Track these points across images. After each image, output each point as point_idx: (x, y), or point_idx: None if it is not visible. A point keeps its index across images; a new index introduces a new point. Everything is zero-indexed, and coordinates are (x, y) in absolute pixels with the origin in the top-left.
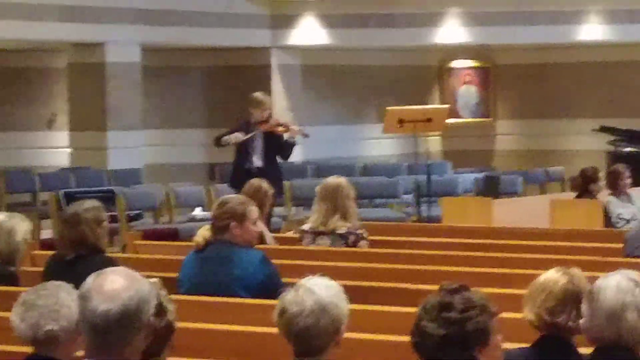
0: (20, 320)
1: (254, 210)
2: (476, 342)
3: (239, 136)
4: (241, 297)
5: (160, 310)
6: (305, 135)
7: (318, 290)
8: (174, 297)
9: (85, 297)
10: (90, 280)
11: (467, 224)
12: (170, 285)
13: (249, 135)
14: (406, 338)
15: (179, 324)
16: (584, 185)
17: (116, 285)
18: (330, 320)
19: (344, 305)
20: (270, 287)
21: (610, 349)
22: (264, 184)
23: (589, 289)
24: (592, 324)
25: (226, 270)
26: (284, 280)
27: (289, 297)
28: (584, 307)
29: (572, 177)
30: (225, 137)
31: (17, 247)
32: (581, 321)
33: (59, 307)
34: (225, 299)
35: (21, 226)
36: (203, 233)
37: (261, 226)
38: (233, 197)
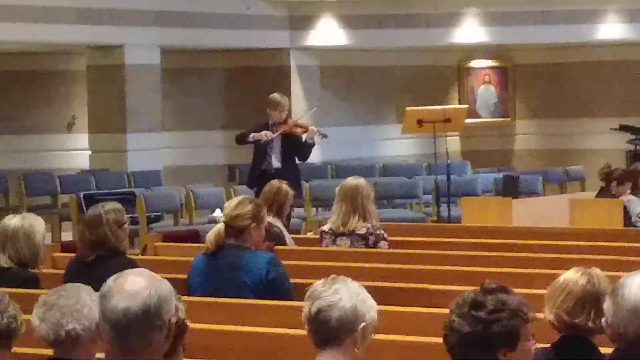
0: (41, 321)
1: (266, 213)
2: (500, 344)
3: (268, 134)
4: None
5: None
6: (324, 136)
7: (350, 282)
8: (184, 298)
9: (105, 296)
10: (111, 280)
11: (486, 224)
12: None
13: (275, 135)
14: (425, 338)
15: (190, 325)
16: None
17: (136, 285)
18: (351, 307)
19: (370, 303)
20: (280, 288)
21: (633, 345)
22: (284, 185)
23: (614, 286)
24: (615, 320)
25: (235, 276)
26: (304, 280)
27: (319, 282)
28: (607, 304)
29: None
30: (254, 134)
31: (37, 249)
32: (604, 319)
33: (79, 306)
34: (235, 300)
35: (38, 226)
36: (213, 237)
37: (281, 227)
38: (251, 198)
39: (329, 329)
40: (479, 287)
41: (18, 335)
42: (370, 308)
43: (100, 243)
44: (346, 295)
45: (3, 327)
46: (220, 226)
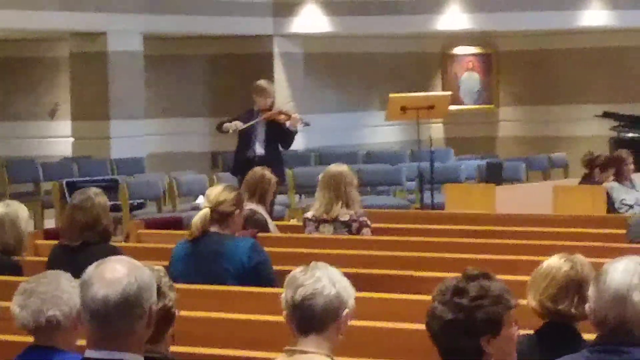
0: (21, 308)
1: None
2: (483, 331)
3: (238, 124)
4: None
5: (158, 294)
6: (307, 124)
7: (330, 268)
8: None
9: (86, 284)
10: (91, 268)
11: (470, 211)
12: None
13: (249, 124)
14: (409, 325)
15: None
16: (590, 171)
17: (117, 273)
18: (335, 294)
19: (350, 290)
20: (262, 274)
21: (615, 331)
22: (267, 172)
23: (598, 272)
24: (597, 306)
25: (217, 264)
26: (287, 267)
27: (298, 270)
28: (590, 290)
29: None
30: (226, 124)
31: (22, 236)
32: (587, 304)
33: (59, 293)
34: (218, 287)
35: (22, 214)
36: (199, 221)
37: (265, 214)
38: (233, 186)
39: (314, 317)
40: (461, 274)
41: None
42: (350, 294)
43: (91, 225)
44: (328, 282)
45: None
46: (206, 211)
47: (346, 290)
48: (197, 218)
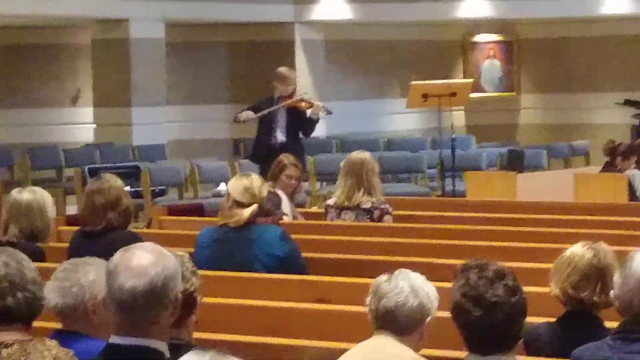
0: (49, 294)
1: None
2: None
3: (249, 114)
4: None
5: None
6: (329, 112)
7: (412, 276)
8: None
9: (112, 273)
10: (117, 256)
11: (491, 199)
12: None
13: (262, 113)
14: None
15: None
16: (612, 159)
17: (143, 261)
18: (418, 304)
19: (433, 297)
20: (293, 263)
21: (639, 319)
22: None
23: (624, 259)
24: (622, 292)
25: (246, 250)
26: (309, 254)
27: (383, 278)
28: (616, 277)
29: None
30: (238, 115)
31: (48, 223)
32: (612, 292)
33: (87, 280)
34: (247, 274)
35: (48, 200)
36: (247, 215)
37: (283, 197)
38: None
39: (398, 327)
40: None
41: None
42: (434, 300)
43: (113, 206)
44: (410, 293)
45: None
46: (255, 207)
47: (429, 298)
48: (247, 210)
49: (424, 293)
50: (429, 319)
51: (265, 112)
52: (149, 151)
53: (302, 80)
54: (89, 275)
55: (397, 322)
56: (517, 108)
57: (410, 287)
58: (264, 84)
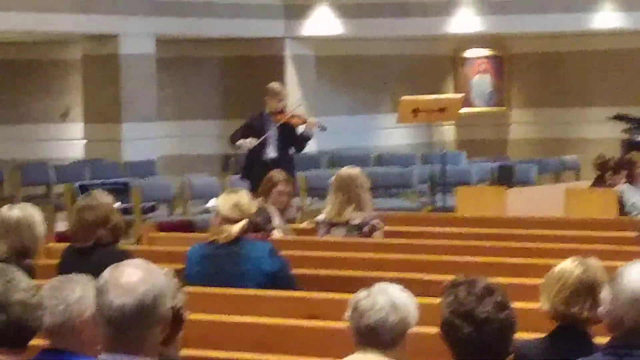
0: None
1: None
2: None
3: (252, 142)
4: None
5: None
6: (323, 128)
7: (391, 291)
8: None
9: (101, 290)
10: (107, 273)
11: (481, 214)
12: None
13: (262, 139)
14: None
15: (191, 316)
16: (602, 173)
17: (133, 278)
18: (399, 319)
19: (413, 308)
20: (282, 278)
21: (630, 334)
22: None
23: (614, 274)
24: (613, 308)
25: (235, 266)
26: (299, 271)
27: (361, 294)
28: (605, 293)
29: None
30: (240, 141)
31: (37, 240)
32: (601, 307)
33: (74, 297)
34: (236, 290)
35: (38, 217)
36: (238, 230)
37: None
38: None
39: (381, 343)
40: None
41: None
42: (412, 310)
43: (102, 222)
44: (390, 308)
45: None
46: (245, 222)
47: (408, 310)
48: (237, 226)
49: (403, 306)
50: (409, 330)
51: (265, 137)
52: (139, 167)
53: (293, 95)
54: (76, 292)
55: (380, 339)
56: (508, 123)
57: (389, 302)
58: (254, 99)
